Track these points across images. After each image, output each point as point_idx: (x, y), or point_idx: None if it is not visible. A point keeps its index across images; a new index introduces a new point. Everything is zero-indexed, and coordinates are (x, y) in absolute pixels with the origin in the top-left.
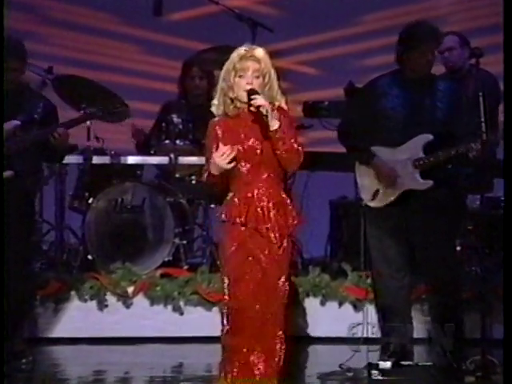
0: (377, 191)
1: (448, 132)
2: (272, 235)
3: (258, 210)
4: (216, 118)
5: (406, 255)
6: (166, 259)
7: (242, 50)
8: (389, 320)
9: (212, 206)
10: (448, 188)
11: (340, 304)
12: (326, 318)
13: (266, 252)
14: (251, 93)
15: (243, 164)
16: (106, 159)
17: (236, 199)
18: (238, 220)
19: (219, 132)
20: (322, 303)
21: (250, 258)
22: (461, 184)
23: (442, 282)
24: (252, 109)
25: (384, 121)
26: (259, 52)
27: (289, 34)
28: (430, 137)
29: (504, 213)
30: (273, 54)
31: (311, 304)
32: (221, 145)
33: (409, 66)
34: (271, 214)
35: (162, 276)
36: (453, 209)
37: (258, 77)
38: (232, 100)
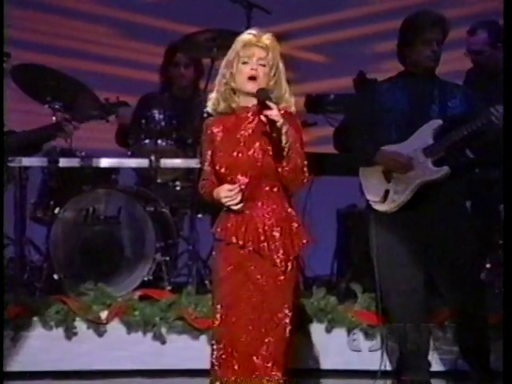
0: (387, 192)
1: (461, 122)
2: (276, 257)
3: (259, 228)
4: (212, 118)
5: (424, 271)
6: (146, 279)
7: (247, 34)
8: (403, 352)
9: (199, 215)
10: (468, 181)
11: (349, 331)
12: (333, 347)
13: (268, 276)
14: (263, 96)
15: (241, 176)
16: (74, 161)
17: (232, 215)
18: (234, 240)
19: (217, 136)
20: (328, 330)
21: (248, 283)
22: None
23: (467, 306)
24: (262, 118)
25: (386, 118)
26: (267, 38)
27: (289, 15)
28: (440, 122)
29: (504, 212)
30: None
31: (315, 331)
32: (227, 186)
33: (412, 60)
34: (274, 233)
35: (141, 298)
36: (482, 218)
37: (263, 65)
38: (234, 92)
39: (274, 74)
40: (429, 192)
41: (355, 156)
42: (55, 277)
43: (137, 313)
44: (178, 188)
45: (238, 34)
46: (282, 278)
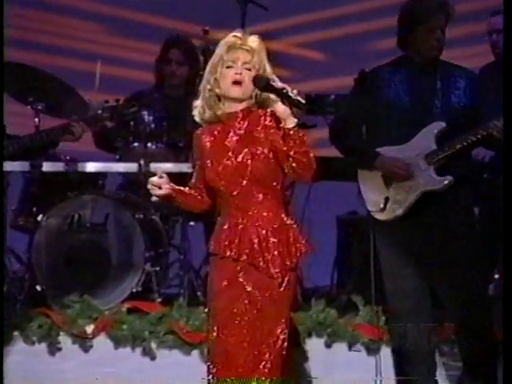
0: (386, 200)
1: (466, 119)
2: (272, 269)
3: (253, 239)
4: (201, 128)
5: (428, 283)
6: (135, 290)
7: (231, 37)
8: (406, 370)
9: (191, 223)
10: (472, 189)
11: (350, 346)
12: (333, 363)
13: (264, 290)
14: (262, 83)
15: (232, 185)
16: (59, 166)
17: (226, 227)
18: (228, 253)
19: (206, 145)
20: (328, 345)
21: (244, 298)
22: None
23: (471, 321)
24: (274, 99)
25: (386, 114)
26: (253, 41)
27: (285, 10)
28: (443, 124)
29: (504, 213)
30: (267, 36)
31: (314, 346)
32: (155, 178)
33: (414, 49)
34: (270, 243)
35: (130, 311)
36: (491, 226)
37: (249, 69)
38: (219, 98)
39: None
40: (433, 198)
41: (354, 159)
42: (38, 288)
43: (125, 327)
44: None
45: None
46: (279, 290)
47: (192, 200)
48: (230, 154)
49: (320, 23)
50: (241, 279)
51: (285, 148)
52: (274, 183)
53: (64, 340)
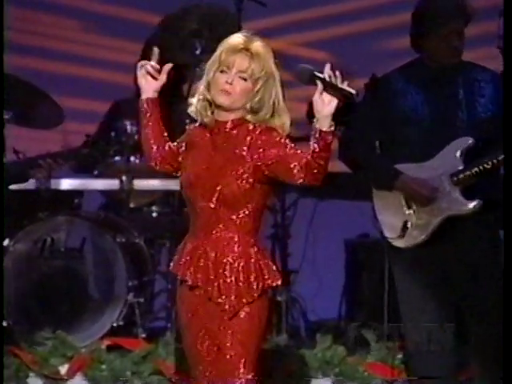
0: (405, 224)
1: (495, 132)
2: (224, 301)
3: (210, 265)
4: (195, 125)
5: (453, 318)
6: (116, 324)
7: (234, 37)
8: None
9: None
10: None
11: None
12: None
13: (220, 325)
14: (306, 76)
15: (200, 198)
16: (29, 183)
17: (187, 249)
18: (186, 278)
19: (194, 140)
20: None
21: (203, 333)
22: None
23: (496, 350)
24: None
25: (402, 128)
26: (256, 46)
27: (285, 6)
28: (470, 140)
29: (504, 213)
30: (265, 35)
31: None
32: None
33: (429, 53)
34: (227, 271)
35: (110, 349)
36: None
37: (244, 79)
38: (210, 103)
39: (258, 91)
40: (458, 222)
41: (370, 178)
42: (4, 323)
43: (104, 366)
44: (154, 214)
45: (229, 21)
46: (236, 326)
47: (156, 134)
48: (207, 164)
49: (324, 20)
50: (200, 311)
51: (313, 152)
52: (248, 205)
53: (34, 382)
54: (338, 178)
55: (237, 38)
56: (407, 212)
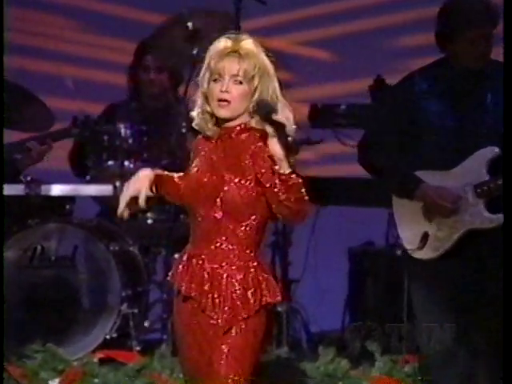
0: (425, 235)
1: None
2: (217, 315)
3: (205, 276)
4: (199, 136)
5: (471, 338)
6: (109, 337)
7: (220, 41)
8: None
9: (177, 256)
10: None
11: None
12: None
13: (212, 340)
14: (264, 110)
15: (201, 207)
16: (18, 189)
17: (185, 258)
18: (182, 289)
19: (201, 151)
20: None
21: (195, 348)
22: None
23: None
24: (271, 133)
25: (426, 132)
26: (245, 45)
27: (288, 3)
28: (496, 150)
29: (504, 214)
30: (265, 34)
31: None
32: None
33: (454, 55)
34: (223, 285)
35: (103, 362)
36: None
37: (239, 82)
38: (211, 116)
39: (256, 88)
40: (480, 236)
41: (390, 185)
42: None
43: (97, 380)
44: (149, 221)
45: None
46: (228, 341)
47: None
48: (210, 171)
49: (326, 18)
50: (194, 323)
51: (278, 193)
52: (252, 217)
53: None
54: (342, 184)
55: (222, 42)
56: (427, 223)
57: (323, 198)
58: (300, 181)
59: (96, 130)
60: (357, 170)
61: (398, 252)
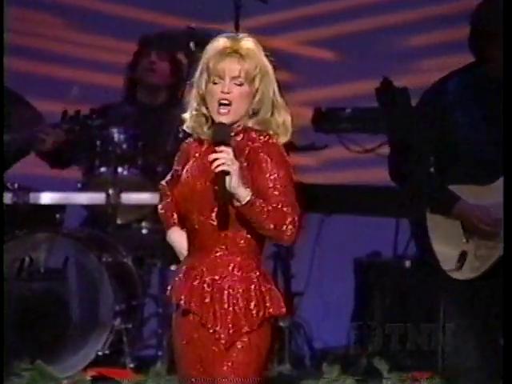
0: (463, 254)
1: None
2: (220, 329)
3: (206, 289)
4: (191, 139)
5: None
6: (101, 353)
7: (219, 41)
8: None
9: (173, 267)
10: None
11: None
12: None
13: (214, 355)
14: (220, 136)
15: (196, 215)
16: (6, 197)
17: (183, 269)
18: (181, 303)
19: (195, 154)
20: None
21: (197, 363)
22: None
23: None
24: (212, 165)
25: (461, 142)
26: (245, 45)
27: (289, 1)
28: None
29: (504, 214)
30: (266, 33)
31: None
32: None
33: (487, 62)
34: (225, 297)
35: (95, 380)
36: None
37: (240, 84)
38: (207, 118)
39: (258, 89)
40: None
41: (424, 201)
42: None
43: None
44: (144, 231)
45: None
46: (231, 357)
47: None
48: (204, 176)
49: (330, 16)
50: (195, 339)
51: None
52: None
53: None
54: (347, 191)
55: (221, 42)
56: (465, 241)
57: (327, 206)
58: (261, 206)
59: (87, 125)
60: (363, 177)
61: (407, 263)
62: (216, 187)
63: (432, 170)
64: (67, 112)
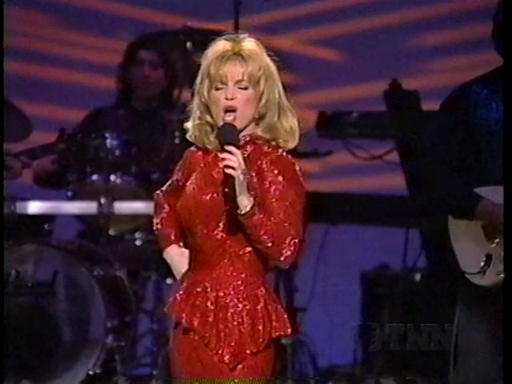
0: (489, 258)
1: None
2: (223, 350)
3: (210, 307)
4: (192, 148)
5: None
6: (92, 372)
7: (218, 43)
8: None
9: (168, 281)
10: None
11: None
12: None
13: (216, 375)
14: (226, 137)
15: (201, 228)
16: None
17: (185, 283)
18: (182, 320)
19: (200, 164)
20: None
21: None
22: None
23: None
24: (220, 164)
25: (486, 141)
26: (246, 46)
27: None
28: None
29: (504, 214)
30: (268, 32)
31: None
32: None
33: None
34: (229, 316)
35: None
36: None
37: (244, 88)
38: (212, 127)
39: (263, 92)
40: None
41: (443, 201)
42: None
43: None
44: (138, 242)
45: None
46: (237, 381)
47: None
48: (210, 188)
49: (336, 14)
50: (195, 359)
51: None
52: None
53: None
54: (353, 200)
55: (221, 45)
56: (490, 243)
57: (332, 215)
58: (257, 220)
59: (84, 143)
60: (369, 185)
61: (417, 277)
62: (226, 189)
63: (455, 172)
64: (65, 131)
